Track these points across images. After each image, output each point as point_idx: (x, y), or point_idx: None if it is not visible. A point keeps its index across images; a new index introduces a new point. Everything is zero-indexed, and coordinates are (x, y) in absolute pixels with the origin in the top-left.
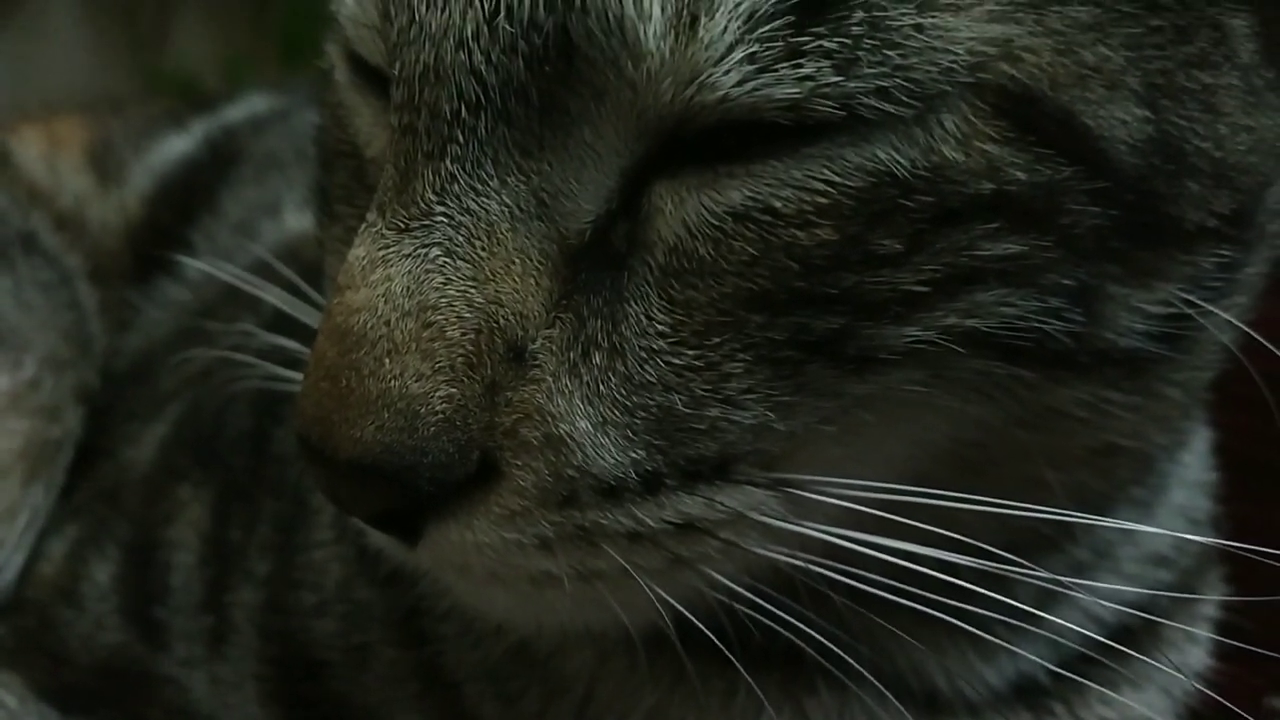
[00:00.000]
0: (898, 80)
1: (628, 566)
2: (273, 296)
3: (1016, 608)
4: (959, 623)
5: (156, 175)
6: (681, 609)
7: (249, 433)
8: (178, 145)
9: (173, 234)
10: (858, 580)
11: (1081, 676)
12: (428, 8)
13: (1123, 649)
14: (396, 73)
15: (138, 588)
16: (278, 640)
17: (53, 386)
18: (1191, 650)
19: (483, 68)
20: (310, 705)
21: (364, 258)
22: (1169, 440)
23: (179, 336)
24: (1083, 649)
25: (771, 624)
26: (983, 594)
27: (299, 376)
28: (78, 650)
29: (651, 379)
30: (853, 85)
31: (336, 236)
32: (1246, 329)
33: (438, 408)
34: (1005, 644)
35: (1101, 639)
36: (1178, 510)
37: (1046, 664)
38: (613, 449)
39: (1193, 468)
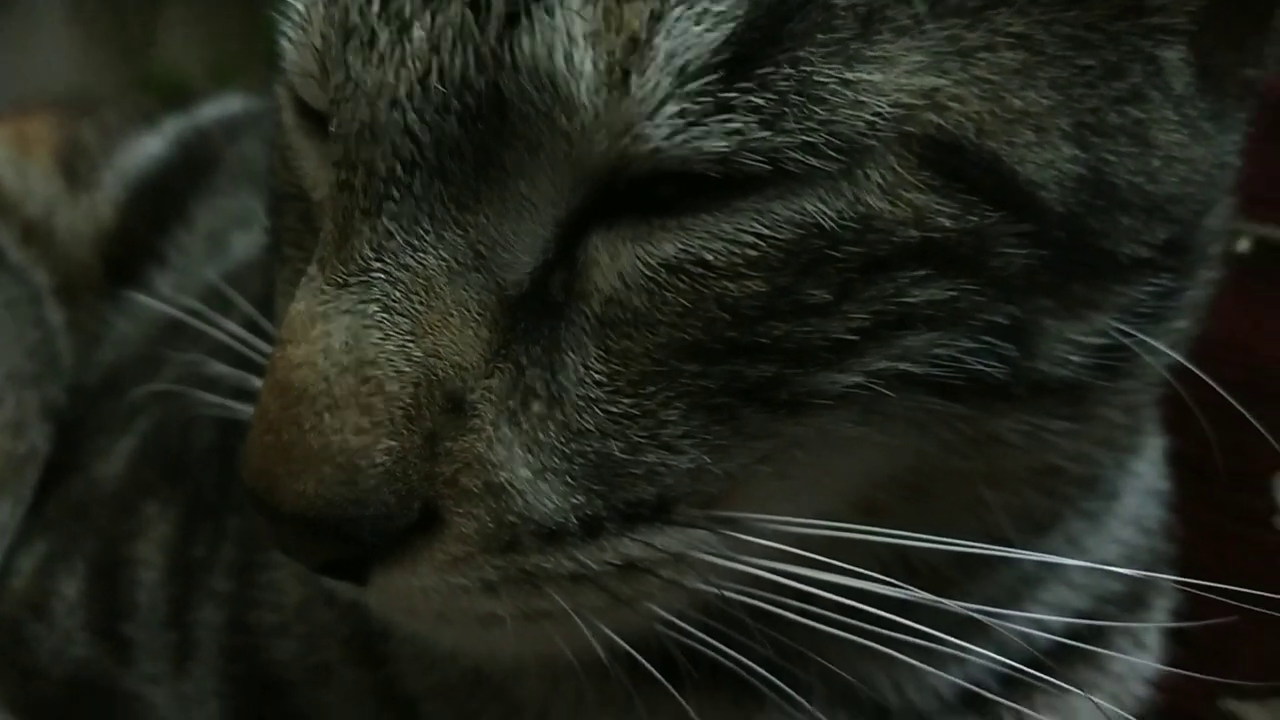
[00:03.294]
0: (824, 135)
1: (570, 608)
2: (221, 330)
3: (963, 620)
4: (896, 654)
5: (128, 179)
6: (623, 643)
7: (216, 449)
8: (149, 146)
9: (144, 244)
10: (801, 614)
11: (1030, 683)
12: (363, 64)
13: (1077, 650)
14: (333, 129)
15: (105, 603)
16: (240, 658)
17: (16, 403)
18: (1140, 655)
19: (416, 127)
20: None
21: (304, 312)
22: (1114, 458)
23: (148, 353)
24: (1032, 655)
25: (714, 655)
26: (928, 610)
27: (248, 408)
28: (48, 665)
29: (589, 427)
30: (779, 140)
31: (286, 279)
32: (1179, 357)
33: (378, 460)
34: (940, 671)
35: (1049, 646)
36: (1130, 519)
37: (995, 671)
38: (553, 495)
39: (1146, 477)
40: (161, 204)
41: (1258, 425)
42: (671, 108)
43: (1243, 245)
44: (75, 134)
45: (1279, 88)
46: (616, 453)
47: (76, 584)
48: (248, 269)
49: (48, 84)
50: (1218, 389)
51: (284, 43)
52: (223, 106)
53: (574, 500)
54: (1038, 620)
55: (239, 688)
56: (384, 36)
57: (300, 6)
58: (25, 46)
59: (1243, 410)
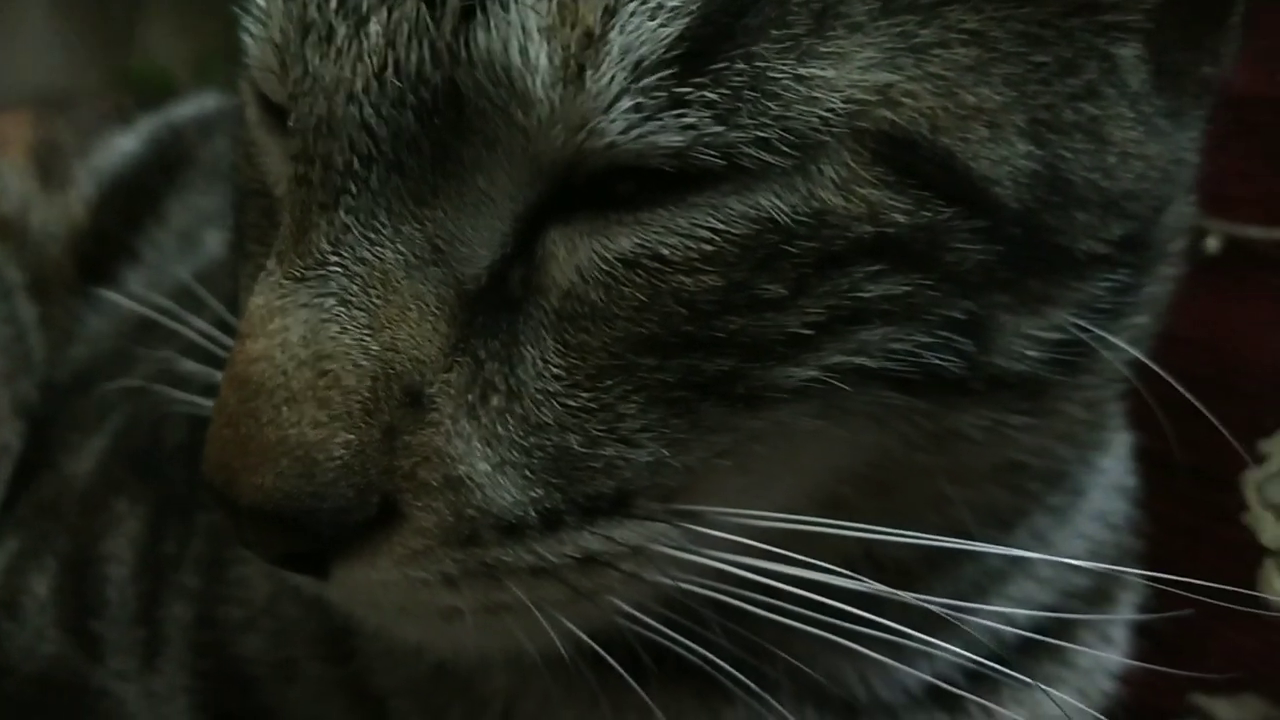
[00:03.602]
0: (777, 130)
1: (530, 601)
2: (191, 328)
3: (931, 615)
4: (864, 650)
5: (102, 178)
6: (585, 637)
7: (186, 446)
8: (123, 144)
9: (118, 242)
10: (766, 608)
11: (996, 678)
12: (320, 59)
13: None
14: (292, 123)
15: (75, 600)
16: (208, 654)
17: None
18: (1106, 650)
19: (373, 121)
20: (240, 718)
21: (263, 306)
22: (1077, 453)
23: (121, 350)
24: (998, 651)
25: (677, 649)
26: (896, 605)
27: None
28: (20, 662)
29: (548, 420)
30: (733, 135)
31: (249, 274)
32: (1137, 353)
33: (335, 454)
34: (908, 666)
35: (1016, 640)
36: (1096, 514)
37: (962, 666)
38: (512, 489)
39: (1112, 473)
40: (134, 201)
41: (1219, 425)
42: (626, 102)
43: (1213, 244)
44: (50, 134)
45: (1242, 86)
46: (575, 446)
47: (48, 581)
48: (221, 266)
49: (30, 81)
50: (1178, 387)
51: (246, 38)
52: (198, 104)
53: (533, 494)
54: (1004, 615)
55: (207, 683)
56: (341, 31)
57: (261, 1)
58: (7, 43)
59: (1202, 408)
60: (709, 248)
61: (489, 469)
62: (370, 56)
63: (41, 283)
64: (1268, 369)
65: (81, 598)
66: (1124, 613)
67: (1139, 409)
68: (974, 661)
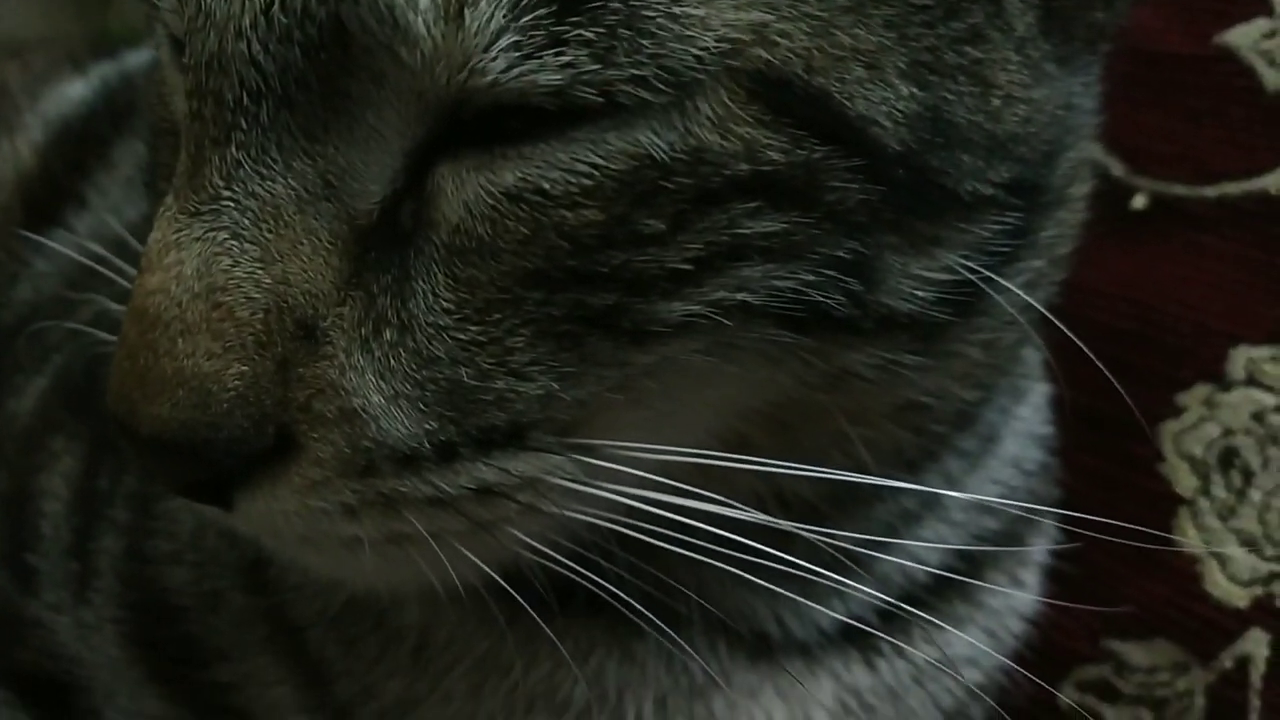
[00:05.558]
0: (653, 69)
1: (428, 532)
2: (124, 276)
3: (842, 552)
4: (774, 587)
5: (51, 123)
6: (487, 569)
7: None
8: (74, 91)
9: (65, 187)
10: (670, 542)
11: (907, 617)
12: None
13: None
14: (187, 60)
15: (12, 535)
16: (136, 586)
17: None
18: (1017, 593)
19: (261, 57)
20: (166, 647)
21: (160, 241)
22: (981, 396)
23: (64, 293)
24: (909, 591)
25: (584, 582)
26: (807, 545)
27: None
28: None
29: (439, 354)
30: (610, 73)
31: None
32: (1029, 298)
33: (230, 385)
34: (820, 604)
35: (927, 580)
36: (1009, 460)
37: (874, 605)
38: (406, 421)
39: (1028, 421)
40: (83, 147)
41: (1118, 384)
42: (506, 40)
43: (1139, 201)
44: (1, 80)
45: (1171, 45)
46: (466, 379)
47: None
48: None
49: (5, 35)
50: (1073, 338)
51: None
52: (151, 52)
53: (427, 426)
54: (913, 555)
55: (135, 614)
56: None
57: None
58: None
59: (1100, 363)
60: (589, 182)
61: (383, 401)
62: None
63: None
64: (1188, 324)
65: (18, 532)
66: (1034, 556)
67: (1059, 360)
68: (885, 601)
